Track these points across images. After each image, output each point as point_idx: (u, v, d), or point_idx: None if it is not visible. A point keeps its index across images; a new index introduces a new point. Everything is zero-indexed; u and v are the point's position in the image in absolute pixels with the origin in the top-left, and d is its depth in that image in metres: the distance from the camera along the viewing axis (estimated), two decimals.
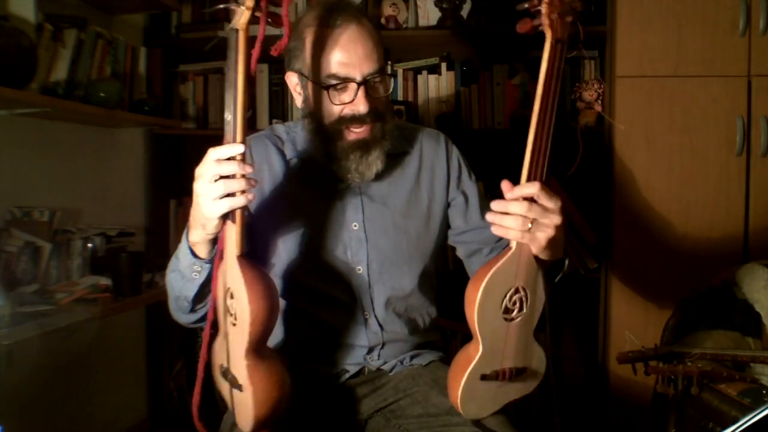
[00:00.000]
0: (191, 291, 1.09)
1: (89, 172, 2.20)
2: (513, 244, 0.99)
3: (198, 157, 0.96)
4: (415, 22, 2.43)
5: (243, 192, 0.94)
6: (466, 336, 2.42)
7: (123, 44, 2.11)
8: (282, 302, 1.21)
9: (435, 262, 1.32)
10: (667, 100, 2.04)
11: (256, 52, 0.96)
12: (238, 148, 0.93)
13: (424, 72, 2.42)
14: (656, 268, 2.06)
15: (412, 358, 1.30)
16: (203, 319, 1.13)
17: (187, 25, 2.50)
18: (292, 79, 1.23)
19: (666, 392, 1.44)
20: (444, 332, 2.14)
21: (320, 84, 1.15)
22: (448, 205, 1.32)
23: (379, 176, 1.21)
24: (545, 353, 1.10)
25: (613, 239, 2.10)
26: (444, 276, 1.44)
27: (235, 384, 1.01)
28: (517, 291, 1.01)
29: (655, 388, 1.53)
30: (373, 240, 1.24)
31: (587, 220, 2.23)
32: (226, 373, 1.03)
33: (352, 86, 1.14)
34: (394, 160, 1.26)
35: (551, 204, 0.97)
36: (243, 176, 0.93)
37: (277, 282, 1.23)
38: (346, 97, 1.14)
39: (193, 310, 1.13)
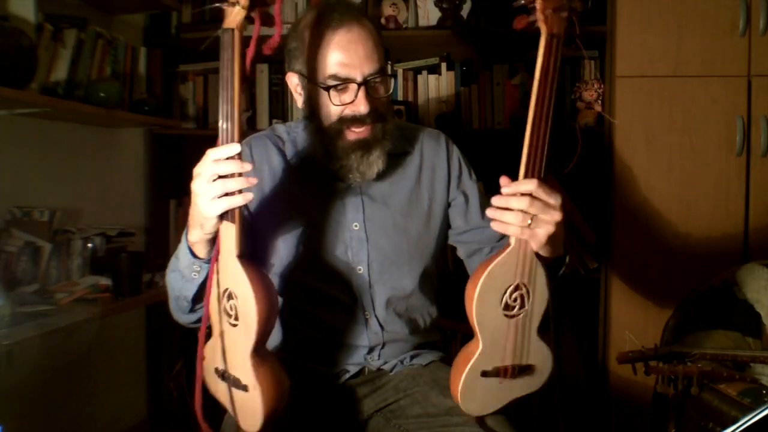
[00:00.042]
0: (191, 291, 1.09)
1: (89, 172, 2.20)
2: (512, 241, 0.99)
3: (198, 157, 0.96)
4: (415, 22, 2.43)
5: (241, 191, 0.94)
6: (466, 336, 2.41)
7: (123, 44, 2.11)
8: (282, 302, 1.21)
9: (436, 262, 1.32)
10: (667, 100, 2.04)
11: (251, 52, 0.96)
12: (234, 148, 0.93)
13: (424, 72, 2.42)
14: (656, 268, 2.06)
15: (412, 358, 1.30)
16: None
17: (187, 25, 2.50)
18: (292, 80, 1.23)
19: (666, 392, 1.44)
20: (444, 332, 2.14)
21: (321, 85, 1.15)
22: (448, 205, 1.32)
23: (379, 176, 1.21)
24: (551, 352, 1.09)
25: (613, 239, 2.10)
26: (444, 276, 1.44)
27: (237, 385, 1.00)
28: (517, 288, 1.00)
29: (655, 388, 1.53)
30: (373, 240, 1.24)
31: (587, 220, 2.23)
32: (225, 375, 1.02)
33: (353, 87, 1.14)
34: (394, 160, 1.26)
35: (552, 200, 0.97)
36: (241, 175, 0.94)
37: (277, 282, 1.23)
38: (347, 97, 1.14)
39: (192, 310, 1.13)
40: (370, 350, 1.25)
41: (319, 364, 1.25)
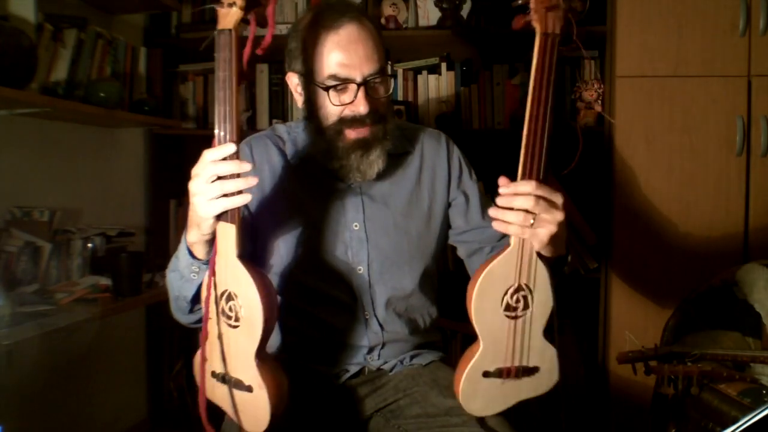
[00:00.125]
0: (190, 291, 1.08)
1: (89, 172, 2.20)
2: (512, 241, 0.99)
3: (198, 157, 0.96)
4: (415, 22, 2.43)
5: (239, 192, 0.94)
6: (466, 336, 2.41)
7: (123, 44, 2.11)
8: (282, 302, 1.21)
9: (436, 262, 1.32)
10: (667, 100, 2.04)
11: (247, 52, 0.96)
12: (230, 148, 0.93)
13: (424, 72, 2.42)
14: (656, 268, 2.06)
15: (412, 357, 1.30)
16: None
17: (187, 25, 2.50)
18: (292, 80, 1.23)
19: (666, 392, 1.44)
20: (444, 332, 2.14)
21: (320, 85, 1.15)
22: (449, 204, 1.32)
23: (380, 176, 1.21)
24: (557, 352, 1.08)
25: (613, 239, 2.10)
26: (444, 276, 1.44)
27: (240, 387, 1.00)
28: (519, 288, 1.00)
29: (655, 388, 1.53)
30: (373, 240, 1.24)
31: (587, 220, 2.23)
32: (225, 378, 1.02)
33: (352, 87, 1.14)
34: (395, 160, 1.26)
35: (554, 199, 0.97)
36: (239, 176, 0.93)
37: (277, 281, 1.23)
38: (346, 97, 1.14)
39: (192, 311, 1.13)
40: (370, 350, 1.25)
41: (318, 364, 1.25)
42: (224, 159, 0.94)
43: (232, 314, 0.98)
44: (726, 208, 2.02)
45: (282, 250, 1.22)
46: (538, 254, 1.00)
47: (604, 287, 2.17)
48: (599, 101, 2.22)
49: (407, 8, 2.42)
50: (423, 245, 1.28)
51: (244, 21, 0.95)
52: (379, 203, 1.26)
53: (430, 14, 2.40)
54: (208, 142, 0.98)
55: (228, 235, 0.96)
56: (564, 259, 1.10)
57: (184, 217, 1.00)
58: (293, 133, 1.29)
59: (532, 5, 0.95)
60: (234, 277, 0.97)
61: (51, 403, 1.99)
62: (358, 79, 1.13)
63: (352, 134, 1.16)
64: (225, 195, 0.93)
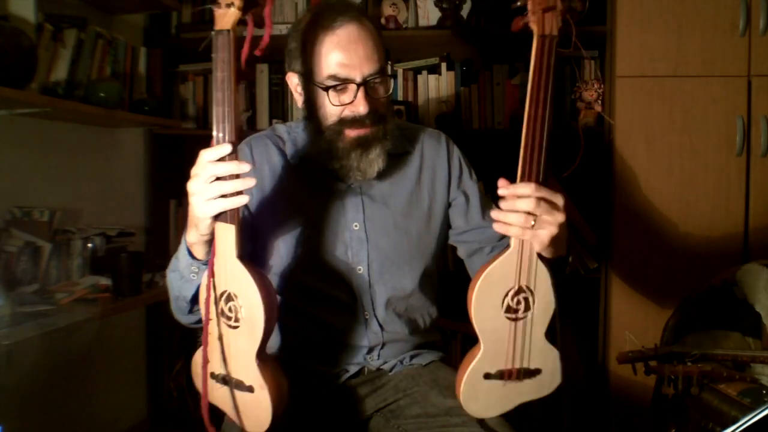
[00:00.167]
0: (189, 292, 1.08)
1: (89, 172, 2.20)
2: (512, 242, 0.99)
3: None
4: (415, 22, 2.43)
5: (238, 193, 0.94)
6: (466, 336, 2.41)
7: (123, 44, 2.11)
8: (282, 302, 1.21)
9: (436, 262, 1.32)
10: (667, 100, 2.04)
11: (245, 52, 0.96)
12: (226, 148, 0.93)
13: (424, 72, 2.42)
14: (656, 268, 2.06)
15: (412, 357, 1.29)
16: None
17: (187, 25, 2.50)
18: (292, 80, 1.23)
19: (666, 392, 1.44)
20: (444, 332, 2.14)
21: (320, 85, 1.15)
22: (449, 205, 1.32)
23: (380, 176, 1.21)
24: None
25: (613, 239, 2.10)
26: (444, 276, 1.44)
27: (241, 387, 1.00)
28: (520, 290, 1.00)
29: (655, 388, 1.53)
30: (373, 240, 1.24)
31: (587, 220, 2.23)
32: (225, 379, 1.02)
33: (352, 87, 1.13)
34: (395, 160, 1.26)
35: (555, 200, 0.97)
36: (238, 176, 0.93)
37: (278, 281, 1.23)
38: (346, 98, 1.14)
39: (191, 311, 1.13)
40: (370, 350, 1.25)
41: (318, 364, 1.25)
42: (224, 159, 0.93)
43: (232, 315, 0.98)
44: (726, 208, 2.02)
45: (282, 250, 1.22)
46: (539, 255, 1.00)
47: (604, 287, 2.17)
48: (599, 101, 2.22)
49: (407, 8, 2.42)
50: (423, 245, 1.28)
51: (241, 22, 0.95)
52: (379, 203, 1.26)
53: (430, 14, 2.40)
54: (208, 142, 0.98)
55: (227, 236, 0.96)
56: (564, 260, 1.10)
57: (184, 217, 1.00)
58: (293, 133, 1.29)
59: (529, 7, 0.95)
60: (234, 277, 0.97)
61: (51, 403, 1.99)
62: (358, 80, 1.13)
63: (352, 133, 1.15)
64: (223, 196, 0.93)
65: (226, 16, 0.94)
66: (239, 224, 0.96)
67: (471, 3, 2.38)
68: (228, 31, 0.94)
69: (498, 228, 0.99)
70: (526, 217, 0.96)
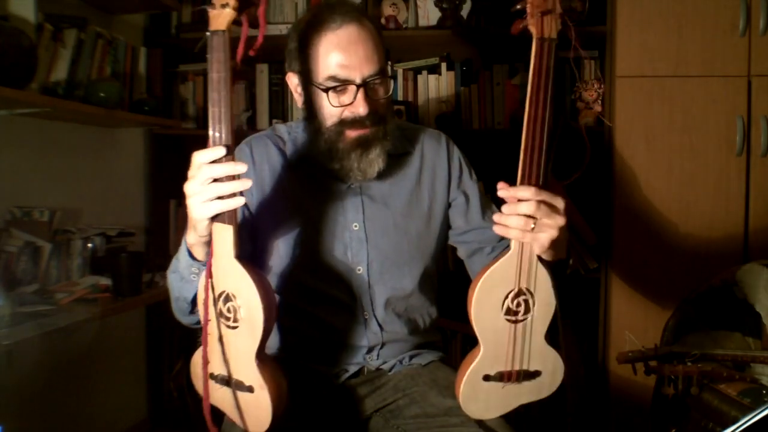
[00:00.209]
0: (190, 292, 1.08)
1: (89, 172, 2.20)
2: (512, 245, 0.99)
3: None
4: (415, 22, 2.43)
5: (242, 193, 0.94)
6: (466, 336, 2.41)
7: (123, 44, 2.11)
8: (281, 302, 1.21)
9: (436, 262, 1.32)
10: (667, 100, 2.04)
11: (240, 52, 0.96)
12: (220, 151, 0.93)
13: (424, 72, 2.42)
14: (656, 268, 2.06)
15: (411, 357, 1.29)
16: None
17: (187, 25, 2.50)
18: (292, 80, 1.23)
19: (666, 392, 1.44)
20: (444, 332, 2.14)
21: (319, 86, 1.15)
22: (449, 205, 1.32)
23: (380, 176, 1.21)
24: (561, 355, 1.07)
25: (613, 239, 2.10)
26: (444, 276, 1.44)
27: (241, 388, 1.00)
28: (520, 293, 1.00)
29: (655, 388, 1.53)
30: (373, 240, 1.24)
31: (587, 220, 2.23)
32: (227, 380, 1.02)
33: (352, 88, 1.13)
34: (395, 161, 1.26)
35: (555, 203, 0.97)
36: (234, 178, 0.93)
37: (277, 281, 1.23)
38: (346, 99, 1.14)
39: (192, 312, 1.13)
40: (369, 350, 1.25)
41: (318, 363, 1.25)
42: (220, 161, 0.93)
43: (231, 315, 0.98)
44: (726, 208, 2.02)
45: (282, 250, 1.22)
46: (539, 258, 1.00)
47: (604, 287, 2.17)
48: (599, 101, 2.22)
49: (407, 8, 2.42)
50: (423, 245, 1.28)
51: (236, 22, 0.95)
52: (378, 203, 1.25)
53: (430, 14, 2.41)
54: (207, 142, 0.98)
55: (225, 236, 0.96)
56: (565, 263, 1.10)
57: (184, 217, 0.99)
58: (293, 133, 1.28)
59: (528, 10, 0.95)
60: (232, 278, 0.97)
61: (51, 403, 1.99)
62: (358, 80, 1.12)
63: (352, 134, 1.15)
64: (220, 197, 0.93)
65: (220, 17, 0.93)
66: (237, 225, 0.96)
67: (471, 3, 2.38)
68: (223, 31, 0.94)
69: (498, 230, 0.99)
70: (526, 220, 0.96)
